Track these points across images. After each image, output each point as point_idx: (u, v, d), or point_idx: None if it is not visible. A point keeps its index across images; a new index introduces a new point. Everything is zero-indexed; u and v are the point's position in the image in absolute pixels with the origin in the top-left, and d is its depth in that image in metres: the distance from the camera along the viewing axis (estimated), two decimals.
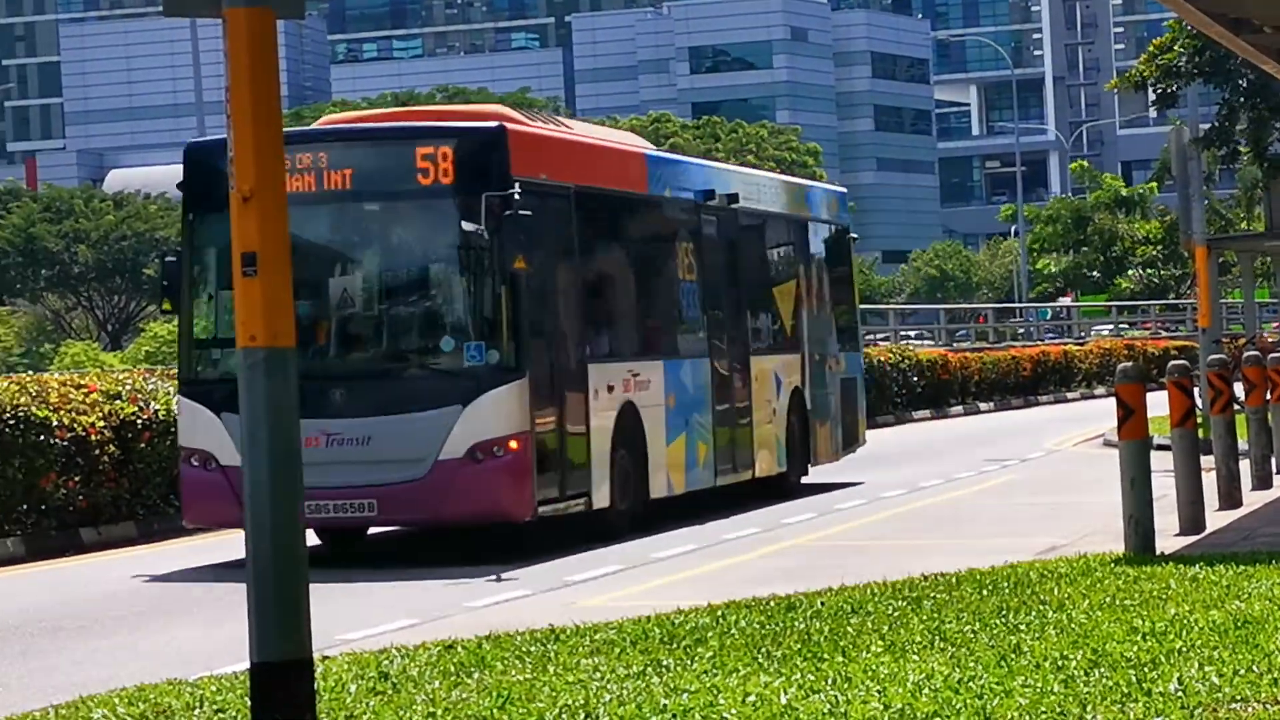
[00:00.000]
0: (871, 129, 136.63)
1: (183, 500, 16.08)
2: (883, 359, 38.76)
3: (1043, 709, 7.19)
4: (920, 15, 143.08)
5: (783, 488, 20.87)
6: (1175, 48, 32.07)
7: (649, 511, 17.31)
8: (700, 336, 19.50)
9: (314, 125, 21.58)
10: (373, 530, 17.36)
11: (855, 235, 26.14)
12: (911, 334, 54.75)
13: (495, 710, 7.76)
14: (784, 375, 21.19)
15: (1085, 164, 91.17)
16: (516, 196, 14.60)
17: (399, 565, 16.48)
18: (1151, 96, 36.01)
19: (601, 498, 16.09)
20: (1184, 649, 8.75)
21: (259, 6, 7.02)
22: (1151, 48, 34.01)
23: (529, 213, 14.70)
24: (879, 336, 50.40)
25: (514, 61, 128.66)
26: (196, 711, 8.07)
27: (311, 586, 6.94)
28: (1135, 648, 8.88)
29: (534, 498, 14.98)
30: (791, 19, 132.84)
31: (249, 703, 7.17)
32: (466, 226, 14.62)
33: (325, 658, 9.27)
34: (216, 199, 16.81)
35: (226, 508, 14.13)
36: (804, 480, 21.60)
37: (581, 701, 7.90)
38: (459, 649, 9.98)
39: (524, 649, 9.84)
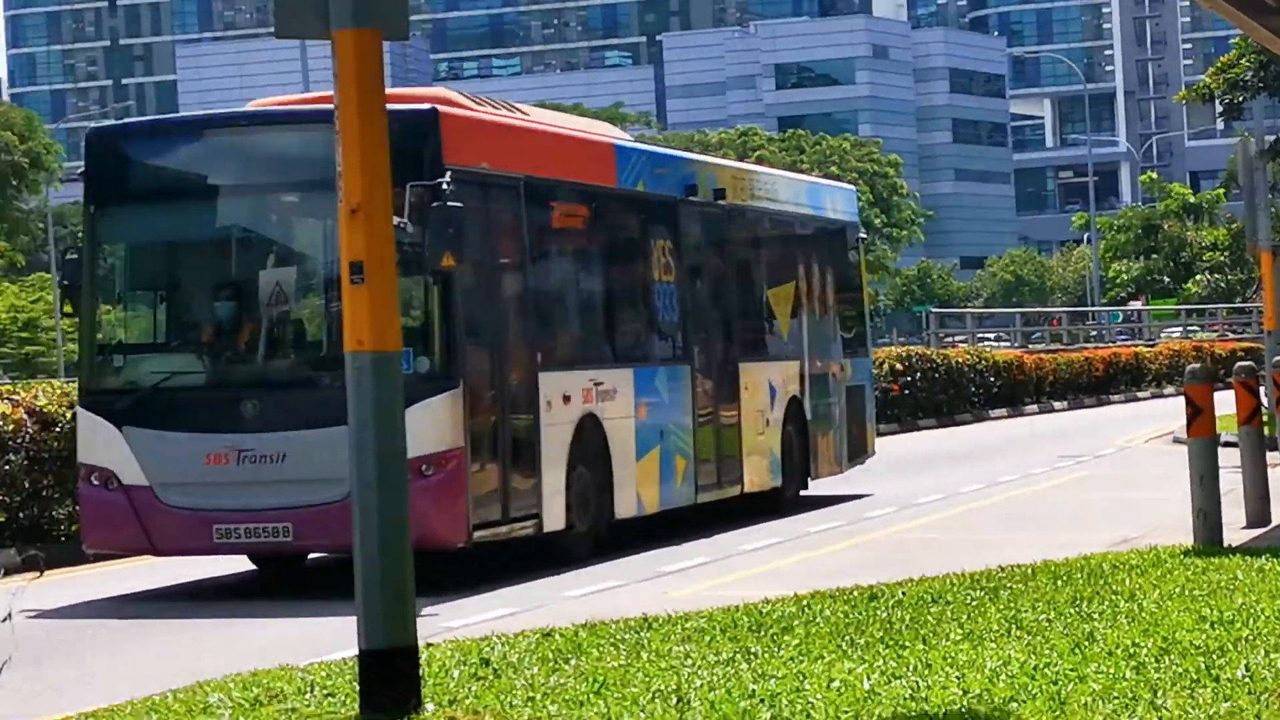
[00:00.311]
0: (949, 141, 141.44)
1: (82, 524, 14.45)
2: (960, 360, 40.46)
3: (1115, 694, 7.33)
4: (996, 33, 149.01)
5: (778, 502, 19.00)
6: (1241, 62, 33.76)
7: (615, 533, 15.72)
8: (679, 342, 17.77)
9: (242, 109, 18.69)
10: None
11: (865, 235, 24.12)
12: (990, 336, 56.82)
13: (591, 695, 8.09)
14: (780, 383, 19.21)
15: (1154, 174, 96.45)
16: (447, 187, 12.88)
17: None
18: (1218, 109, 37.93)
19: (554, 519, 14.40)
20: (1250, 637, 8.92)
21: (366, 28, 7.68)
22: (1219, 63, 35.83)
23: (461, 205, 12.97)
24: (958, 338, 52.74)
25: (608, 78, 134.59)
26: (308, 695, 8.43)
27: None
28: (1204, 636, 9.12)
29: (469, 522, 13.27)
30: (873, 37, 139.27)
31: (357, 687, 7.72)
32: (418, 220, 12.84)
33: (429, 645, 9.51)
34: (124, 190, 14.45)
35: (130, 532, 13.59)
36: (804, 494, 19.78)
37: (674, 686, 8.15)
38: (556, 636, 10.40)
39: (618, 636, 10.24)
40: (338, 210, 13.23)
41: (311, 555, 15.31)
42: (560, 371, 15.01)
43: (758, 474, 18.43)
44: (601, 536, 15.34)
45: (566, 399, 14.91)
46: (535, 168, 15.03)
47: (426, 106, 13.73)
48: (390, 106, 14.15)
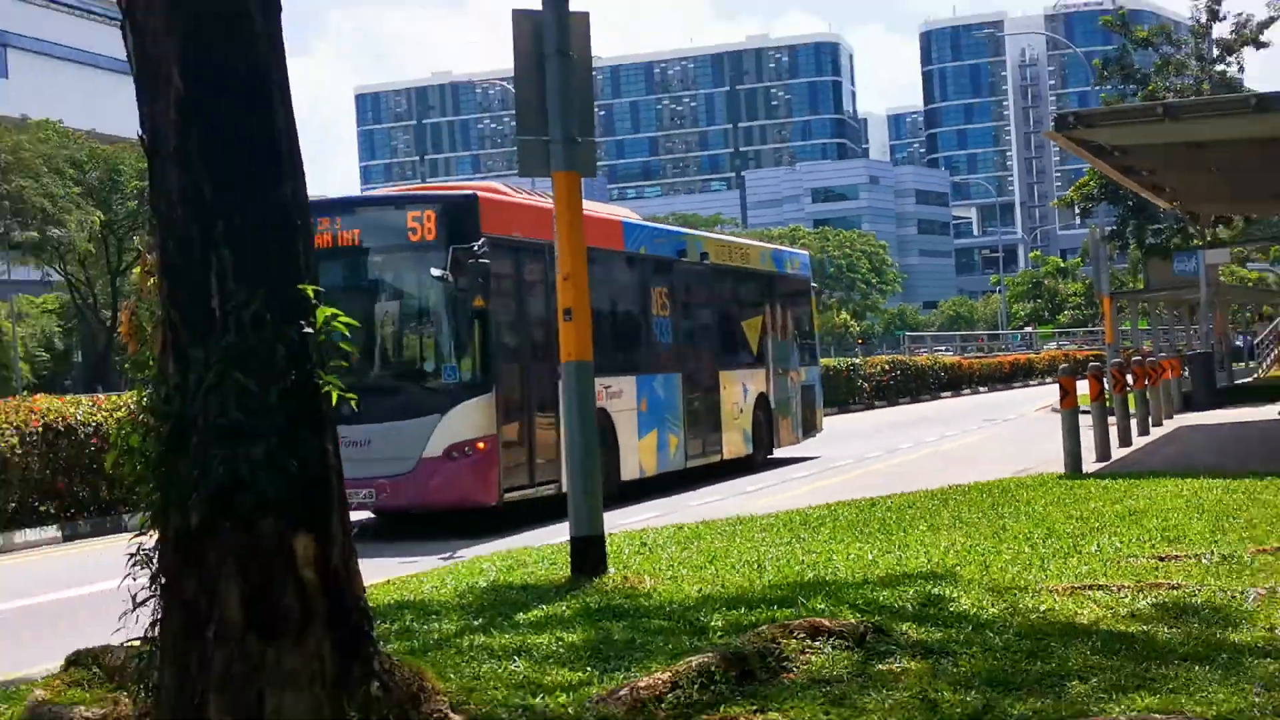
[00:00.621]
0: (916, 233, 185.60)
1: None
2: (923, 363, 56.10)
3: (1018, 561, 10.05)
4: (943, 167, 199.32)
5: (751, 464, 23.57)
6: (1090, 183, 45.16)
7: (625, 490, 18.86)
8: (673, 357, 21.35)
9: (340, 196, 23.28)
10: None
11: (816, 285, 29.47)
12: (941, 348, 75.83)
13: (706, 563, 10.82)
14: (751, 384, 23.69)
15: (1039, 252, 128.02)
16: (478, 249, 15.97)
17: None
18: (1077, 211, 52.80)
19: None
20: (1099, 527, 11.85)
21: (572, 171, 10.48)
22: (1077, 184, 48.73)
23: (488, 262, 16.08)
24: (921, 350, 71.50)
25: (713, 199, 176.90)
26: (542, 563, 11.22)
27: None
28: (1071, 525, 12.01)
29: (500, 486, 16.45)
30: (870, 170, 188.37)
31: (570, 558, 10.54)
32: (436, 273, 15.93)
33: (610, 534, 11.66)
34: None
35: None
36: (768, 458, 24.40)
37: (755, 558, 10.97)
38: (685, 528, 13.45)
39: (721, 529, 13.24)
40: (403, 265, 17.57)
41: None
42: None
43: (734, 446, 22.88)
44: (612, 494, 17.15)
45: None
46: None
47: (469, 193, 17.27)
48: (442, 193, 19.13)
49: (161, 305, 5.74)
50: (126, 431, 5.94)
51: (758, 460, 23.73)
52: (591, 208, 20.48)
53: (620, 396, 19.15)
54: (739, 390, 23.12)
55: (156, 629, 5.75)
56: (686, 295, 22.46)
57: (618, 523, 15.19)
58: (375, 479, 15.71)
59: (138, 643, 6.40)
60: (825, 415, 40.09)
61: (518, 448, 16.96)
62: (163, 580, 5.68)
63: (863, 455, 25.60)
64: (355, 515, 15.46)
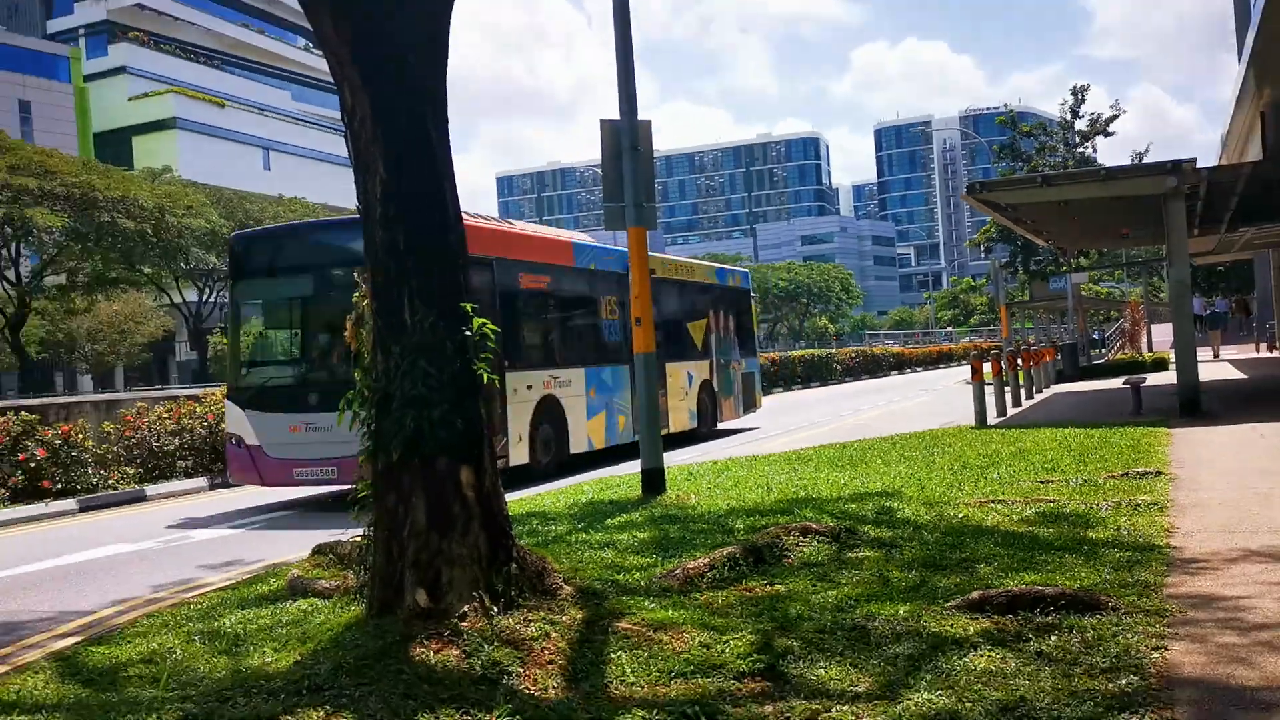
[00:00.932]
0: (873, 264, 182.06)
1: (226, 467, 14.20)
2: (877, 351, 53.32)
3: (943, 484, 10.02)
4: (890, 220, 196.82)
5: (696, 436, 20.05)
6: (991, 229, 45.46)
7: (573, 461, 16.06)
8: (622, 352, 17.62)
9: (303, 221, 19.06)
10: None
11: (755, 295, 24.81)
12: (891, 343, 71.40)
13: (732, 485, 10.79)
14: (695, 373, 20.12)
15: (957, 276, 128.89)
16: None
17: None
18: (983, 248, 52.15)
19: (519, 456, 14.45)
20: (998, 461, 11.65)
21: (641, 227, 10.48)
22: (982, 230, 49.53)
23: None
24: (877, 343, 66.94)
25: (734, 244, 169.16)
26: (622, 487, 11.13)
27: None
28: (979, 460, 11.79)
29: None
30: (841, 223, 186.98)
31: (640, 483, 10.56)
32: None
33: (668, 467, 11.81)
34: (248, 271, 14.04)
35: (250, 472, 13.49)
36: (713, 430, 21.00)
37: (765, 481, 10.93)
38: (717, 462, 13.31)
39: (742, 463, 13.13)
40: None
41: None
42: (523, 371, 14.82)
43: (679, 421, 19.37)
44: (564, 462, 15.59)
45: (529, 387, 14.93)
46: (509, 253, 14.88)
47: None
48: None
49: (372, 317, 5.84)
50: (351, 399, 6.05)
51: (702, 432, 20.40)
52: (553, 233, 17.96)
53: (569, 385, 16.10)
54: (684, 378, 19.75)
55: (371, 529, 5.84)
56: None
57: (626, 469, 14.53)
58: (337, 458, 12.84)
59: (359, 538, 6.52)
60: (809, 389, 40.72)
61: None
62: (375, 496, 5.75)
63: (837, 414, 25.22)
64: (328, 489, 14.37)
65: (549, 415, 15.42)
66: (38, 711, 4.95)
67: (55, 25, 72.44)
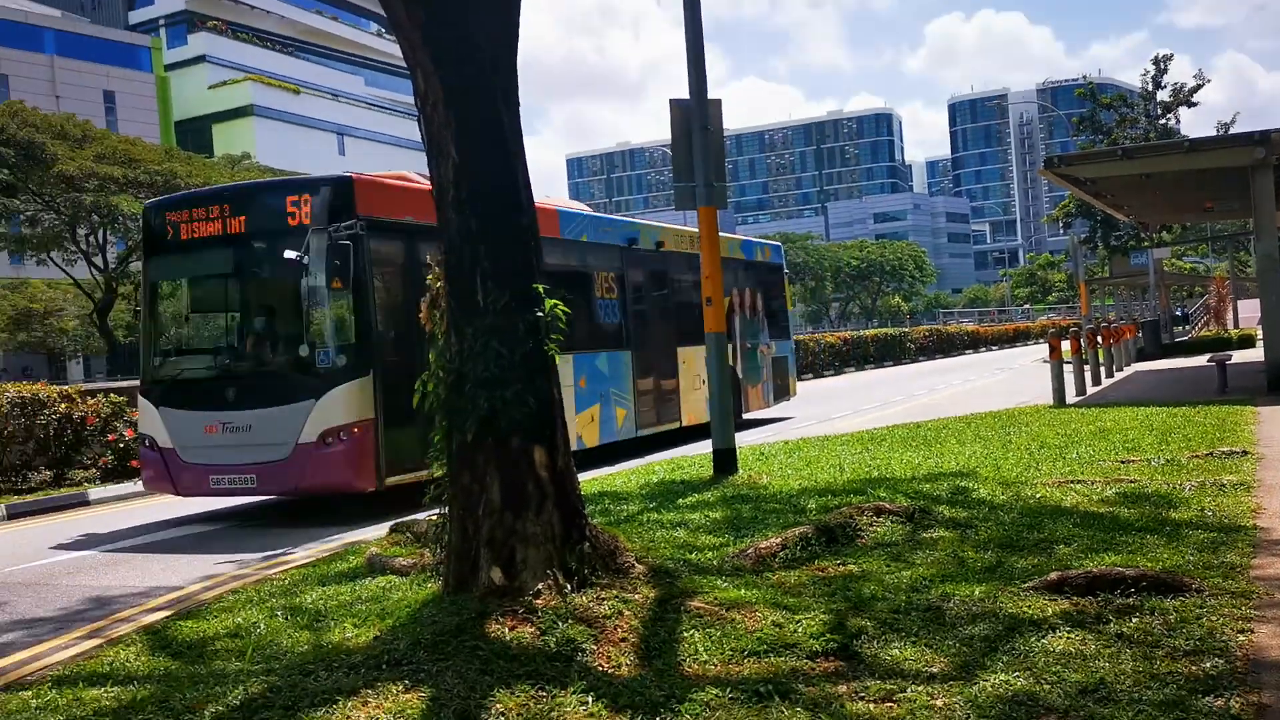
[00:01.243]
0: (947, 242, 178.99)
1: (141, 473, 12.18)
2: (952, 330, 52.98)
3: (1021, 464, 9.86)
4: (965, 196, 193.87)
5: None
6: (1070, 204, 42.96)
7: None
8: (621, 335, 15.63)
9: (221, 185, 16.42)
10: None
11: (789, 272, 21.54)
12: (965, 320, 72.60)
13: (804, 465, 10.70)
14: None
15: (1034, 254, 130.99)
16: (354, 230, 10.77)
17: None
18: (1061, 224, 49.89)
19: None
20: (1077, 440, 11.43)
21: (712, 206, 10.36)
22: (1060, 205, 46.55)
23: (349, 244, 10.74)
24: (951, 321, 68.43)
25: (804, 222, 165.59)
26: (694, 467, 11.08)
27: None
28: (1058, 440, 11.57)
29: (380, 471, 10.99)
30: (914, 200, 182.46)
31: (712, 463, 10.46)
32: (290, 255, 10.81)
33: (740, 448, 11.72)
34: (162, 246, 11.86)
35: (164, 480, 11.59)
36: (738, 421, 17.22)
37: (837, 461, 10.86)
38: (789, 443, 13.17)
39: (813, 443, 13.02)
40: (281, 250, 10.83)
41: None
42: None
43: (695, 414, 17.15)
44: None
45: None
46: None
47: (344, 175, 11.49)
48: (319, 176, 11.85)
49: (446, 299, 5.91)
50: (426, 381, 6.13)
51: None
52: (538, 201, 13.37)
53: None
54: (699, 364, 16.83)
55: (447, 508, 5.92)
56: (639, 279, 16.42)
57: (686, 449, 13.45)
58: (257, 464, 10.96)
59: (435, 517, 6.62)
60: (881, 368, 40.01)
61: (405, 430, 11.17)
62: (450, 476, 5.81)
63: (910, 393, 24.81)
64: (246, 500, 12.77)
65: None
66: (130, 683, 5.11)
67: (136, 16, 74.01)
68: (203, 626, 6.09)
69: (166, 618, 6.58)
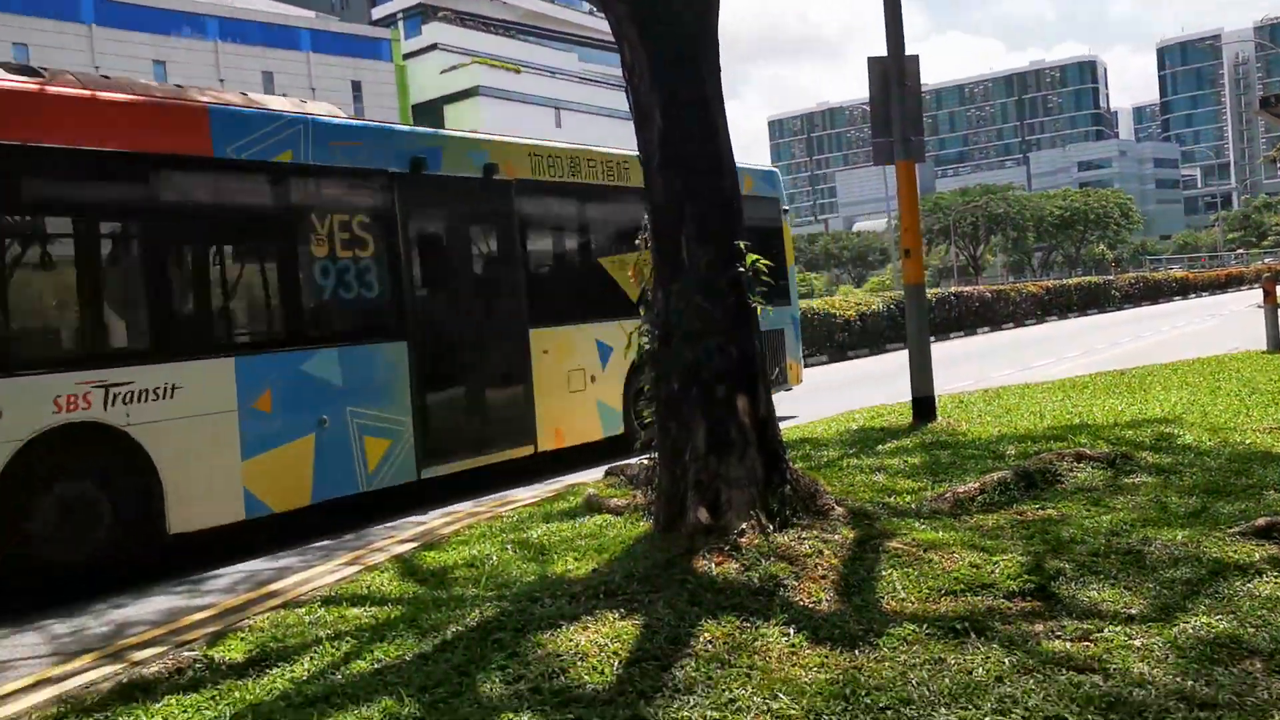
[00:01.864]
0: (1154, 188, 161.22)
1: None
2: (1159, 276, 50.94)
3: (1229, 410, 9.27)
4: (1175, 141, 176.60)
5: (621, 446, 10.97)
6: None
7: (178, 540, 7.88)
8: (386, 317, 9.00)
9: None
10: None
11: (787, 208, 14.18)
12: (1174, 267, 69.14)
13: (1002, 411, 10.31)
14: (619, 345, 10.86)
15: (1250, 197, 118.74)
16: None
17: None
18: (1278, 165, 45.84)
19: None
20: None
21: (908, 159, 10.08)
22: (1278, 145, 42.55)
23: None
24: (1158, 268, 64.97)
25: (1005, 173, 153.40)
26: (893, 415, 10.79)
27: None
28: (1271, 385, 10.84)
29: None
30: (1119, 147, 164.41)
31: (911, 410, 10.20)
32: None
33: (940, 396, 11.38)
34: None
35: None
36: None
37: (1037, 408, 10.39)
38: (989, 391, 12.73)
39: (1014, 390, 12.41)
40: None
41: None
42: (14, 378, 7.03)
43: (569, 427, 10.76)
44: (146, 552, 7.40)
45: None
46: (45, 134, 7.01)
47: None
48: None
49: (653, 259, 6.00)
50: (634, 334, 6.27)
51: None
52: (172, 91, 8.17)
53: (165, 399, 7.44)
54: (582, 349, 10.88)
55: (656, 453, 6.05)
56: (438, 228, 9.82)
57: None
58: None
59: (646, 461, 6.78)
60: (1083, 316, 37.57)
61: None
62: (658, 423, 5.92)
63: (1115, 341, 23.51)
64: None
65: (79, 468, 7.08)
66: (383, 604, 5.51)
67: (378, 12, 77.76)
68: (444, 557, 6.44)
69: (413, 549, 6.99)
